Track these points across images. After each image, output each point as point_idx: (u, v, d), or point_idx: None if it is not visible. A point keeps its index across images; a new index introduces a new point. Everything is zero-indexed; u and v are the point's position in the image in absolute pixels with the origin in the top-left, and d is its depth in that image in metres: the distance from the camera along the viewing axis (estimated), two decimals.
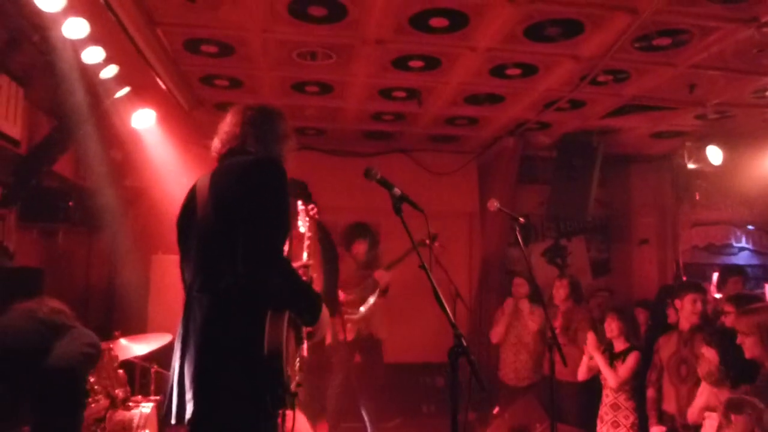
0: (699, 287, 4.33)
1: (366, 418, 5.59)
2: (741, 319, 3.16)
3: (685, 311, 4.16)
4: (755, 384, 3.09)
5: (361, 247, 5.86)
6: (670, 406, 4.16)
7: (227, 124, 2.51)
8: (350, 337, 5.48)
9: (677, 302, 4.30)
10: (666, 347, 4.29)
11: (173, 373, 2.22)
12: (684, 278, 7.16)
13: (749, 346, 3.08)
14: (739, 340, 3.14)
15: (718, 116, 5.64)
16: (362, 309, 5.62)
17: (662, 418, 4.22)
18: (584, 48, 4.20)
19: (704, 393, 3.56)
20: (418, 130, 6.49)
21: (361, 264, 5.84)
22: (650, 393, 4.32)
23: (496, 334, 5.85)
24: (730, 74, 4.65)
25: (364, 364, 5.64)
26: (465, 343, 2.20)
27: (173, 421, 2.17)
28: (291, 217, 2.46)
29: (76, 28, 3.61)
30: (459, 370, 2.21)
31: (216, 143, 2.49)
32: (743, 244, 7.66)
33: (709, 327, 4.04)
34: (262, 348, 2.12)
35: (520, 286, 5.75)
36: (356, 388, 5.59)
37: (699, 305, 4.13)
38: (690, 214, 7.30)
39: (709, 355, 3.49)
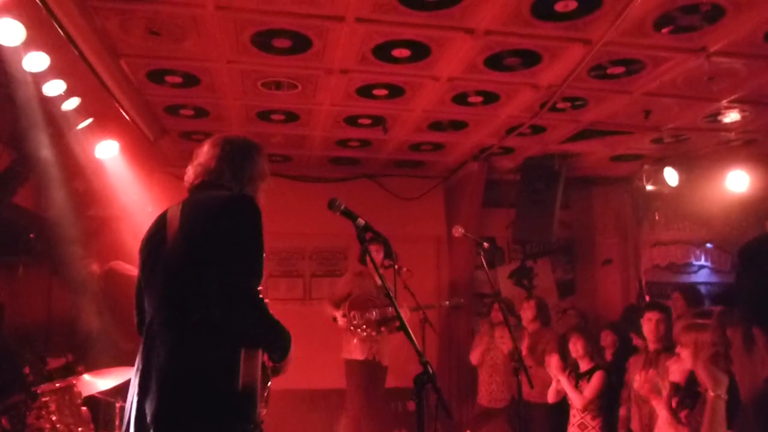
0: (658, 305, 4.42)
1: None
2: (683, 331, 3.29)
3: (645, 330, 4.25)
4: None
5: (378, 255, 5.49)
6: (635, 425, 4.23)
7: (203, 154, 2.46)
8: (360, 357, 5.45)
9: (642, 321, 4.38)
10: (634, 366, 4.36)
11: (130, 409, 2.17)
12: (647, 297, 7.32)
13: (684, 358, 3.19)
14: (677, 350, 3.26)
15: (674, 140, 5.85)
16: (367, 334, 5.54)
17: None
18: (543, 77, 4.33)
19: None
20: (384, 156, 6.56)
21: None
22: (622, 411, 4.38)
23: (474, 356, 5.92)
24: (683, 101, 4.83)
25: (371, 389, 5.59)
26: (431, 371, 2.23)
27: None
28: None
29: (36, 61, 3.58)
30: (426, 397, 2.26)
31: (189, 173, 2.44)
32: (702, 262, 7.86)
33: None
34: (236, 384, 2.10)
35: (498, 311, 5.80)
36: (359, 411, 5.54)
37: (653, 324, 4.20)
38: (651, 234, 7.48)
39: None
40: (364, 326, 5.43)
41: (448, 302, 5.82)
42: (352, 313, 5.41)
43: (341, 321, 5.43)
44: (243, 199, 2.34)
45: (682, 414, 3.29)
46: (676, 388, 3.54)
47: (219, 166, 2.40)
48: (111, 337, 5.12)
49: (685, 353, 3.24)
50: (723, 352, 2.87)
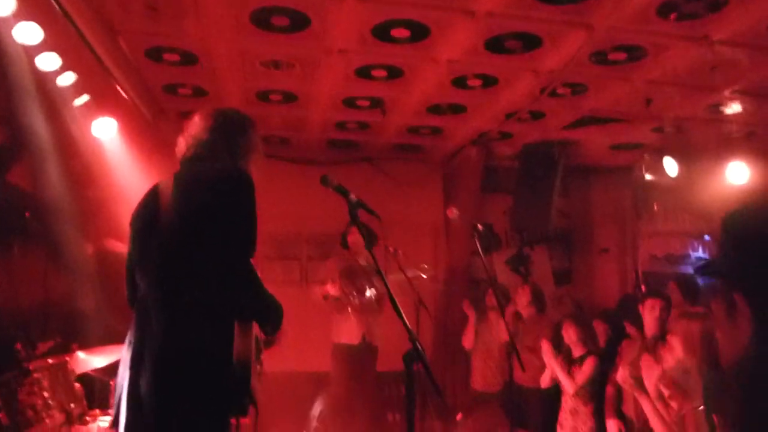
0: (660, 294, 4.43)
1: (358, 427, 5.55)
2: (675, 320, 3.31)
3: (645, 318, 4.25)
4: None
5: (357, 238, 5.54)
6: (628, 409, 4.24)
7: (195, 126, 2.43)
8: (356, 341, 5.44)
9: (640, 308, 4.38)
10: (628, 351, 4.36)
11: (122, 384, 2.17)
12: (643, 287, 7.32)
13: (673, 346, 3.24)
14: (668, 338, 3.28)
15: (675, 130, 5.81)
16: (368, 293, 5.50)
17: (622, 417, 4.28)
18: (543, 61, 4.30)
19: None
20: (383, 140, 6.53)
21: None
22: (609, 390, 4.38)
23: (466, 339, 5.93)
24: (685, 90, 4.80)
25: (361, 372, 5.59)
26: (420, 348, 2.21)
27: None
28: None
29: (28, 33, 3.51)
30: (416, 376, 2.25)
31: (181, 145, 2.41)
32: (700, 254, 7.85)
33: None
34: (230, 360, 2.11)
35: (493, 297, 5.79)
36: (351, 396, 5.53)
37: (656, 312, 4.21)
38: (649, 224, 7.46)
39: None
40: (356, 293, 5.39)
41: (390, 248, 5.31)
42: (343, 281, 5.37)
43: (332, 289, 5.35)
44: (238, 174, 2.31)
45: (673, 400, 3.31)
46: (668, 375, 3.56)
47: (212, 139, 2.37)
48: (105, 317, 5.13)
49: (675, 341, 3.26)
50: (713, 340, 2.88)
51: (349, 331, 5.51)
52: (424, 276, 5.38)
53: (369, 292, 5.48)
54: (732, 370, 0.97)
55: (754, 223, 1.06)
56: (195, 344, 2.12)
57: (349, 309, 5.43)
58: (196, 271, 2.14)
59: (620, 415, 4.30)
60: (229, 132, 2.41)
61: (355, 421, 5.54)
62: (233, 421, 2.28)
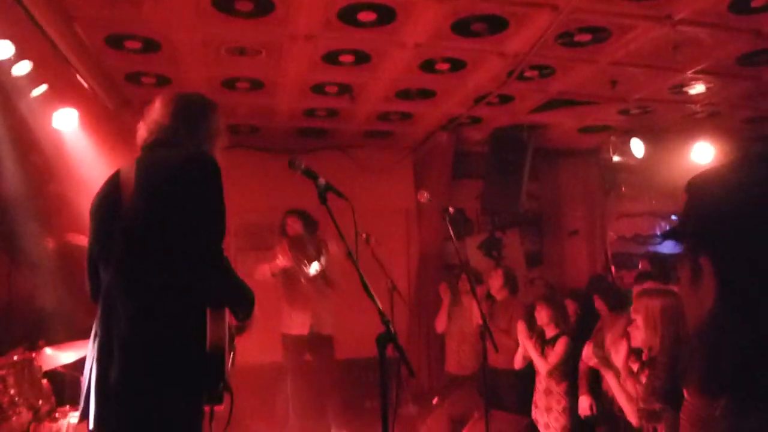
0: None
1: (332, 419, 5.54)
2: (636, 299, 3.37)
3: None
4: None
5: (295, 224, 5.50)
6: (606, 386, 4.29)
7: (156, 111, 2.36)
8: (304, 331, 5.42)
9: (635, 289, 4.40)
10: (611, 329, 4.40)
11: (89, 378, 2.12)
12: (612, 268, 7.44)
13: (638, 326, 3.26)
14: (632, 316, 3.34)
15: (640, 111, 5.90)
16: (312, 269, 5.40)
17: (600, 398, 4.32)
18: (510, 44, 4.30)
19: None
20: (352, 127, 6.49)
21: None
22: (582, 367, 4.43)
23: (439, 323, 5.96)
24: (649, 71, 4.86)
25: (316, 363, 5.57)
26: (393, 330, 2.21)
27: (91, 426, 2.08)
28: None
29: None
30: (390, 361, 2.24)
31: (142, 131, 2.35)
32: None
33: None
34: (203, 346, 2.08)
35: (466, 281, 5.81)
36: (315, 387, 5.52)
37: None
38: (617, 205, 7.59)
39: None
40: (306, 261, 5.31)
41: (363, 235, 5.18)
42: (293, 252, 5.27)
43: (284, 260, 5.22)
44: (202, 157, 2.26)
45: (643, 375, 3.37)
46: (637, 352, 3.62)
47: (173, 123, 2.31)
48: (68, 314, 5.02)
49: (638, 319, 3.30)
50: (675, 316, 2.93)
51: (297, 322, 5.47)
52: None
53: (315, 267, 5.37)
54: (696, 331, 0.98)
55: (717, 187, 1.07)
56: (165, 332, 2.07)
57: (303, 280, 5.32)
58: (163, 257, 2.09)
59: (594, 392, 4.35)
60: (191, 116, 2.36)
61: (327, 411, 5.54)
62: (207, 409, 2.23)
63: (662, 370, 3.03)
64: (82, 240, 4.83)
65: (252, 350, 3.19)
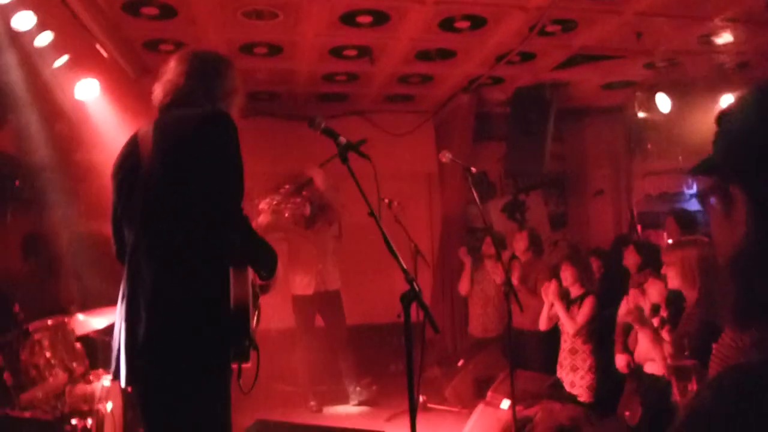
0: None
1: (345, 376, 5.63)
2: (668, 251, 3.31)
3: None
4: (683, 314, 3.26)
5: (317, 176, 5.43)
6: (631, 343, 4.27)
7: (171, 71, 2.35)
8: (309, 291, 5.47)
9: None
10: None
11: (118, 337, 2.16)
12: (639, 227, 7.34)
13: (671, 276, 3.24)
14: (663, 270, 3.29)
15: (667, 64, 5.74)
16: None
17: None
18: None
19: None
20: (373, 91, 6.44)
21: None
22: (619, 323, 4.41)
23: (462, 286, 5.97)
24: (676, 20, 4.70)
25: (326, 322, 5.65)
26: (417, 288, 2.19)
27: (123, 384, 2.13)
28: None
29: None
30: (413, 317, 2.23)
31: (158, 92, 2.35)
32: (694, 191, 7.85)
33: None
34: (228, 303, 2.10)
35: (490, 245, 5.79)
36: (328, 346, 5.59)
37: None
38: (643, 164, 7.44)
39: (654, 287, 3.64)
40: (287, 204, 5.23)
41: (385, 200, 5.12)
42: (267, 198, 5.10)
43: (264, 206, 5.06)
44: (219, 115, 2.24)
45: (664, 331, 3.34)
46: (655, 308, 3.59)
47: (189, 83, 2.29)
48: (94, 281, 5.13)
49: (671, 272, 3.25)
50: (712, 266, 2.87)
51: (302, 282, 5.52)
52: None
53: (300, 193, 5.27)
54: (728, 263, 0.96)
55: (746, 115, 1.04)
56: (188, 289, 2.09)
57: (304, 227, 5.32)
58: (182, 215, 2.10)
59: (626, 349, 4.33)
60: (207, 75, 2.34)
61: (342, 371, 5.60)
62: (234, 366, 2.27)
63: (694, 324, 3.00)
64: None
65: (272, 313, 3.22)
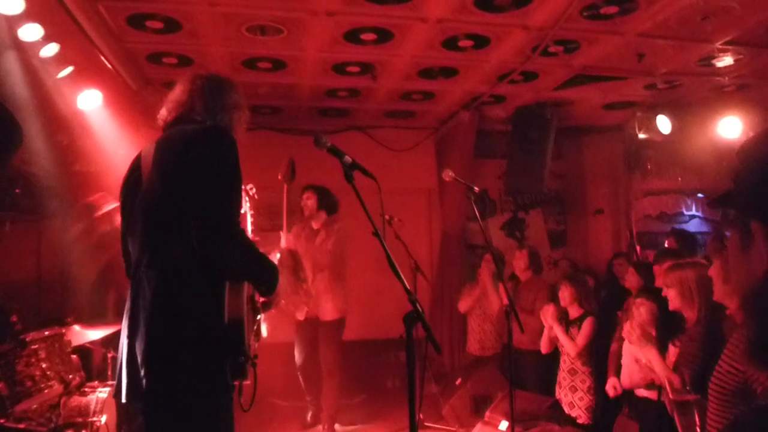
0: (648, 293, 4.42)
1: (324, 400, 5.48)
2: (667, 273, 3.32)
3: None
4: (683, 334, 3.27)
5: (309, 200, 5.39)
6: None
7: (175, 92, 2.42)
8: (301, 317, 5.37)
9: (656, 268, 4.34)
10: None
11: (122, 352, 2.17)
12: (638, 247, 7.34)
13: (671, 298, 3.26)
14: (663, 293, 3.31)
15: (667, 86, 5.77)
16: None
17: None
18: (534, 17, 4.22)
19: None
20: (374, 106, 6.46)
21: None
22: (613, 347, 4.40)
23: (464, 304, 5.93)
24: (677, 42, 4.73)
25: (320, 345, 5.50)
26: (420, 309, 2.17)
27: (124, 399, 2.13)
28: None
29: (10, 3, 3.45)
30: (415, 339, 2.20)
31: (163, 112, 2.41)
32: (694, 212, 7.87)
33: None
34: (222, 317, 2.10)
35: (490, 262, 5.76)
36: (318, 369, 5.48)
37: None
38: (642, 183, 7.45)
39: (645, 308, 3.63)
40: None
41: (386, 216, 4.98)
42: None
43: (287, 241, 4.98)
44: (213, 129, 2.29)
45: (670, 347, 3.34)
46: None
47: (190, 100, 2.36)
48: (94, 293, 5.10)
49: (671, 293, 3.26)
50: (709, 286, 2.88)
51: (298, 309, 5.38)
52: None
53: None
54: (746, 300, 0.95)
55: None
56: (183, 303, 2.09)
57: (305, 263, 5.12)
58: (179, 229, 2.10)
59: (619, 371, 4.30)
60: (208, 93, 2.39)
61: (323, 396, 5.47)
62: (237, 383, 2.24)
63: (695, 346, 2.99)
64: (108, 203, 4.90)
65: (277, 329, 3.19)
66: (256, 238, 2.72)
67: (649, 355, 3.42)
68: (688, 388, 2.84)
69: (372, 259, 5.10)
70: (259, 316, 2.50)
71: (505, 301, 5.23)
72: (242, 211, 2.91)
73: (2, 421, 3.06)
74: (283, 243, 5.01)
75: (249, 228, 2.82)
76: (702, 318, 3.07)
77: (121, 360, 2.17)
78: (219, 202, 2.13)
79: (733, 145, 5.93)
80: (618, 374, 4.19)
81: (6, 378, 3.13)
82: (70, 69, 4.39)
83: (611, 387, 4.08)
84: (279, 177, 4.78)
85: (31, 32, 3.79)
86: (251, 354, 2.28)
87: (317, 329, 5.42)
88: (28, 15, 3.64)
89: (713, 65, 5.21)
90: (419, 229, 7.24)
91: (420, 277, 5.47)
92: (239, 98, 2.49)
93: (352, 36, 4.53)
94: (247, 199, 2.95)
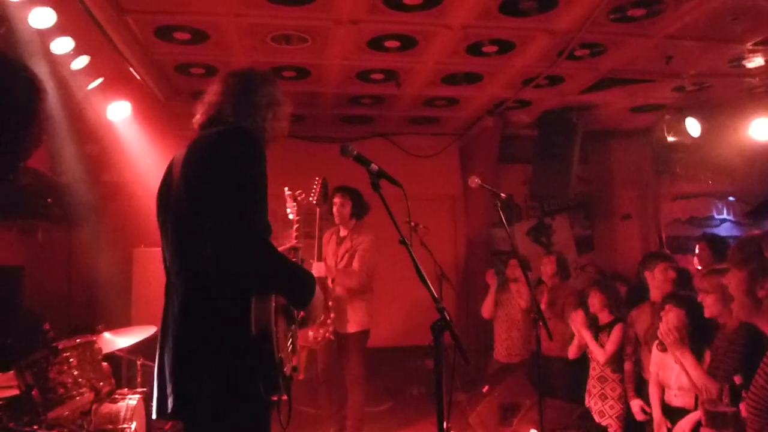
0: (666, 256, 4.33)
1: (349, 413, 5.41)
2: (704, 278, 3.24)
3: (657, 281, 4.15)
4: (714, 343, 3.20)
5: (344, 209, 5.06)
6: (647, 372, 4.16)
7: (209, 93, 2.34)
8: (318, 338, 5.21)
9: (647, 274, 4.27)
10: (640, 320, 4.28)
11: (156, 366, 2.14)
12: (667, 252, 7.21)
13: (709, 305, 3.18)
14: (700, 298, 3.24)
15: (696, 88, 5.68)
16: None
17: (641, 389, 4.18)
18: (559, 22, 4.19)
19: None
20: (398, 113, 6.47)
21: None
22: (627, 366, 4.30)
23: (485, 309, 5.87)
24: (706, 44, 4.65)
25: (342, 358, 5.41)
26: (448, 317, 2.11)
27: (154, 416, 2.10)
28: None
29: (42, 17, 3.53)
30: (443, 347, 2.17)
31: (197, 115, 2.34)
32: (724, 215, 7.71)
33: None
34: (248, 329, 2.00)
35: (515, 267, 5.67)
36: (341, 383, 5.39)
37: (671, 273, 4.12)
38: (671, 187, 7.33)
39: (673, 314, 3.53)
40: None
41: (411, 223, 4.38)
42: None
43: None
44: (232, 131, 2.18)
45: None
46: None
47: (221, 101, 2.28)
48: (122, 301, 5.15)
49: (710, 299, 3.18)
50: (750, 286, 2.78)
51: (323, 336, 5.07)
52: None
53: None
54: None
55: None
56: (210, 315, 2.00)
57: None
58: (202, 237, 1.98)
59: (639, 390, 4.19)
60: (238, 92, 2.30)
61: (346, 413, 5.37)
62: (274, 398, 2.13)
63: (735, 355, 2.92)
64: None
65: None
66: (300, 245, 2.62)
67: (686, 360, 3.33)
68: (725, 400, 2.76)
69: (398, 267, 5.07)
70: (293, 326, 2.37)
71: (543, 305, 5.19)
72: (290, 217, 2.88)
73: (35, 427, 3.10)
74: (315, 273, 4.65)
75: (293, 234, 2.77)
76: (742, 326, 2.97)
77: (155, 375, 2.13)
78: (233, 207, 1.99)
79: (764, 147, 5.81)
80: (640, 394, 4.09)
81: (39, 385, 3.18)
82: (99, 81, 4.48)
83: (639, 410, 3.97)
84: (312, 200, 4.48)
85: (62, 45, 3.88)
86: (289, 368, 2.19)
87: (340, 341, 5.38)
88: (60, 28, 3.73)
89: (743, 66, 5.11)
90: (443, 235, 7.21)
91: (445, 284, 5.44)
92: (275, 93, 2.37)
93: (376, 44, 4.54)
94: (294, 204, 2.91)
